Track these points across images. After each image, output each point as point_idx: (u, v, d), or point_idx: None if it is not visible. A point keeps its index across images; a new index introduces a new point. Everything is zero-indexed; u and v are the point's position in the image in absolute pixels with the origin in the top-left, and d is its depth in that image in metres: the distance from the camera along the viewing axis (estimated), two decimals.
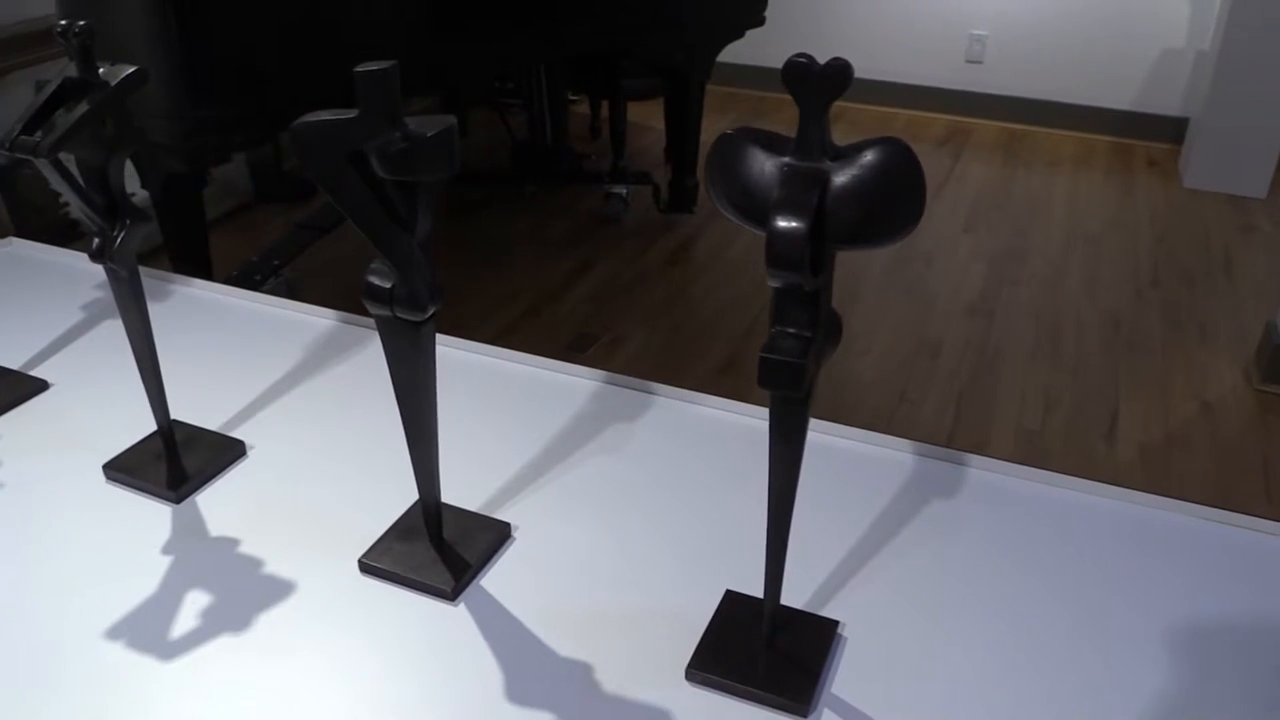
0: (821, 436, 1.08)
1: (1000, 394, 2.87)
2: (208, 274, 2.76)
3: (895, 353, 3.07)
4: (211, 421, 1.11)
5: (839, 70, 0.59)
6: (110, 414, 1.12)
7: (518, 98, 4.32)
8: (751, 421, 1.11)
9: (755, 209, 0.63)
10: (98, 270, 0.94)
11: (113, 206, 0.91)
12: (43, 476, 1.04)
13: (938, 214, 3.97)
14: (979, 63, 4.75)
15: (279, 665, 0.82)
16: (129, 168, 2.93)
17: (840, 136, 0.60)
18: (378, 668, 0.82)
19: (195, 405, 1.13)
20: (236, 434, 1.10)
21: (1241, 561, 0.92)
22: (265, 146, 3.94)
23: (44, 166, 0.85)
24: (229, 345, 1.28)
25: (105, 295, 1.36)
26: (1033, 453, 2.62)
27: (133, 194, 3.58)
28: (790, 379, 0.65)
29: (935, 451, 1.05)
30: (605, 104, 4.25)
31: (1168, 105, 4.53)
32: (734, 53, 3.76)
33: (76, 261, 1.48)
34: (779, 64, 0.60)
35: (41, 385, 1.18)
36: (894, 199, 0.60)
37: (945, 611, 0.86)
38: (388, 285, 0.77)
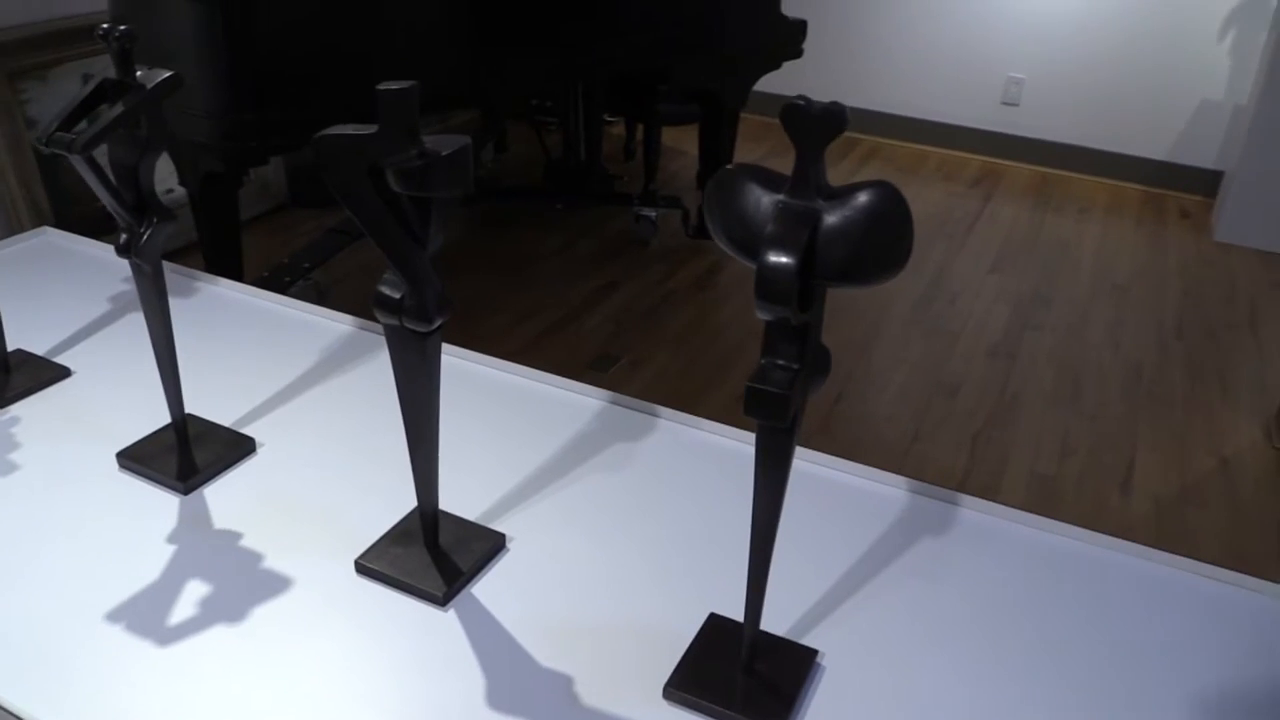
0: (817, 468, 1.10)
1: (1016, 437, 2.86)
2: (238, 271, 2.81)
3: (913, 390, 3.07)
4: (226, 417, 1.14)
5: (835, 114, 0.61)
6: (128, 404, 1.16)
7: (555, 117, 4.38)
8: (752, 449, 1.12)
9: (749, 242, 0.65)
10: (126, 263, 0.98)
11: (141, 204, 0.94)
12: (58, 461, 1.08)
13: (965, 254, 3.97)
14: (1015, 105, 4.76)
15: (269, 656, 0.85)
16: (168, 164, 3.00)
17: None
18: (364, 665, 0.84)
19: (211, 401, 1.16)
20: (248, 431, 1.13)
21: (1248, 624, 0.91)
22: (304, 151, 4.01)
23: (78, 162, 0.88)
24: (249, 344, 1.31)
25: (132, 288, 1.39)
26: (1045, 497, 2.61)
27: (170, 190, 3.63)
28: (775, 409, 0.67)
29: (932, 490, 1.06)
30: (641, 127, 4.29)
31: (1203, 157, 4.51)
32: (771, 83, 3.78)
33: (106, 253, 1.52)
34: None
35: (64, 372, 1.22)
36: (882, 241, 0.62)
37: (926, 649, 0.87)
38: (397, 296, 0.80)
